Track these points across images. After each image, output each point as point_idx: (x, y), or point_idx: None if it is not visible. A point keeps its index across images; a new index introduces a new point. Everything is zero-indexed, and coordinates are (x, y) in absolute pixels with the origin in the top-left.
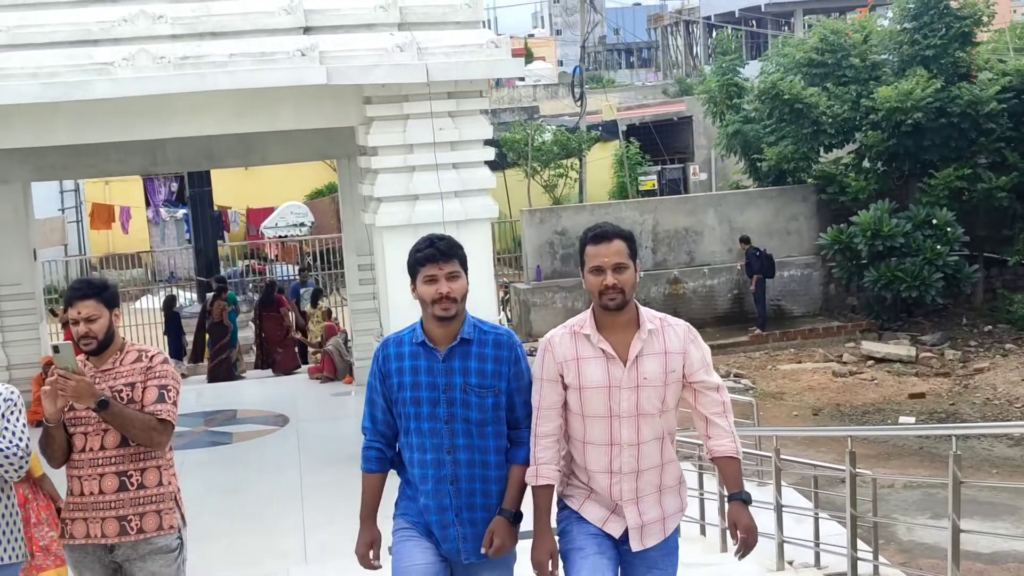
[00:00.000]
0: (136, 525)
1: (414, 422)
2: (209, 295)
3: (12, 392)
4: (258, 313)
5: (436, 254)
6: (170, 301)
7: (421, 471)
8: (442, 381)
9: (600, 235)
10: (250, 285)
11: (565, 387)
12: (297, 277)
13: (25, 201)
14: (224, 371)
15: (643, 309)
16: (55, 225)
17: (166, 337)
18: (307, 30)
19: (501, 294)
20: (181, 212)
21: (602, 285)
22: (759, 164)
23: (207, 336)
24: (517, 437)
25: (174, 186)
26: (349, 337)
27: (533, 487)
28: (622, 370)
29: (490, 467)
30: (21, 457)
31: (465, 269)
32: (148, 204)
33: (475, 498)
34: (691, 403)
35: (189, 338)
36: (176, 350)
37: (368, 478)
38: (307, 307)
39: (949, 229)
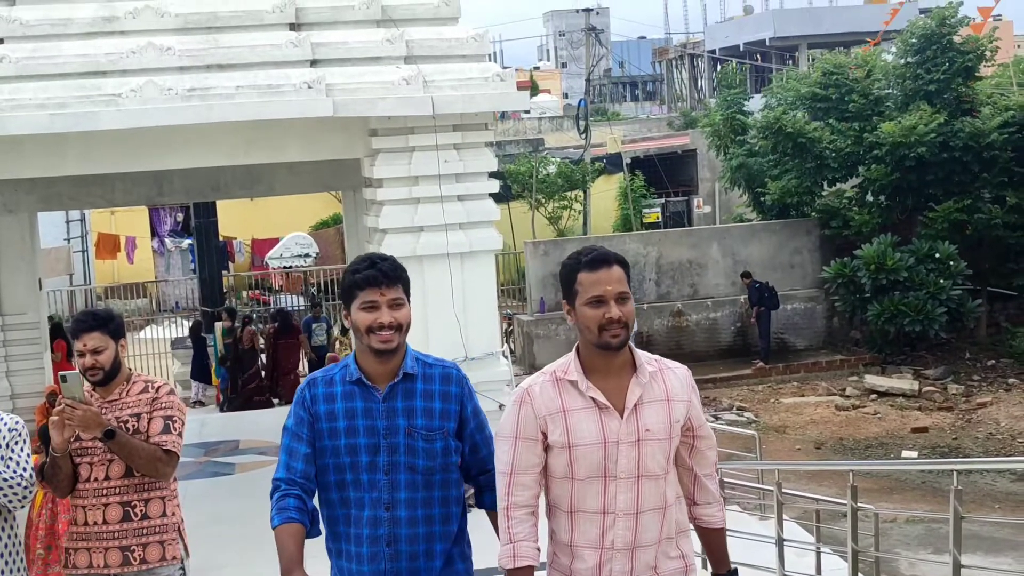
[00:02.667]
0: (139, 556)
1: (350, 474)
2: (224, 322)
3: (17, 422)
4: (272, 342)
5: (378, 276)
6: (197, 327)
7: (356, 531)
8: (383, 424)
9: (599, 260)
10: (253, 315)
11: (547, 447)
12: (310, 312)
13: (31, 231)
14: (255, 397)
15: (637, 350)
16: (61, 255)
17: (192, 363)
18: (314, 63)
19: (505, 326)
20: (186, 242)
21: (604, 319)
22: (763, 198)
23: (226, 362)
24: (490, 481)
25: (179, 216)
26: None
27: (508, 571)
28: (619, 422)
29: (434, 523)
30: (25, 487)
31: (409, 296)
32: (153, 234)
33: (418, 562)
34: (681, 458)
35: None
36: (203, 375)
37: (284, 529)
38: (336, 332)
39: (952, 263)
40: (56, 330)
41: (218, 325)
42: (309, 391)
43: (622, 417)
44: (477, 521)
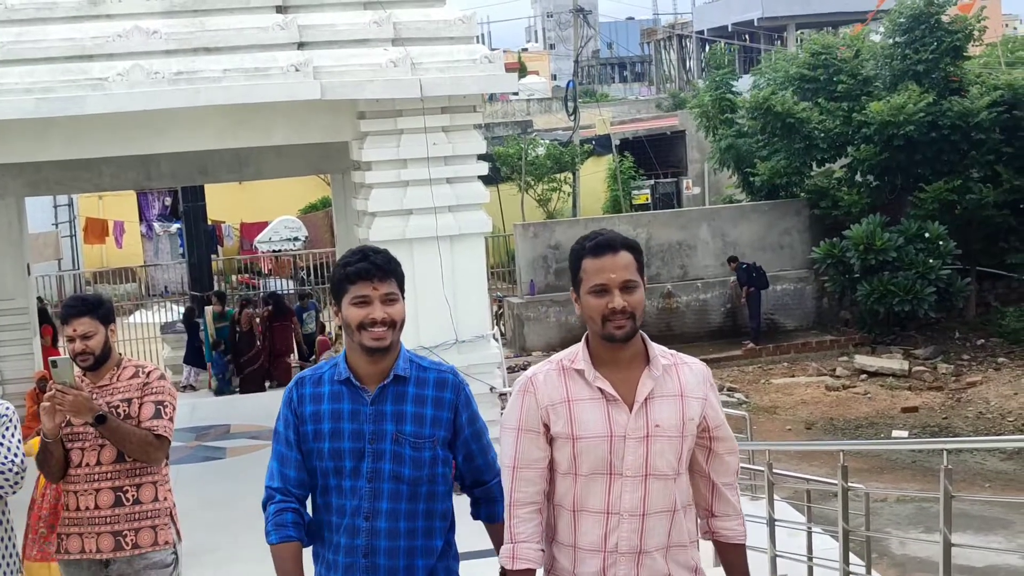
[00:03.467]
0: (131, 540)
1: (333, 478)
2: (214, 306)
3: (7, 408)
4: (268, 324)
5: (371, 269)
6: (190, 312)
7: (334, 539)
8: (369, 429)
9: (604, 245)
10: (251, 297)
11: (551, 440)
12: (299, 302)
13: (19, 216)
14: (258, 379)
15: (651, 342)
16: (49, 240)
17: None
18: (301, 45)
19: (495, 308)
20: (175, 226)
21: (607, 309)
22: (752, 178)
23: (223, 345)
24: (486, 494)
25: (167, 200)
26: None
27: (507, 571)
28: (627, 415)
29: (417, 536)
30: (16, 472)
31: (403, 291)
32: (141, 219)
33: None
34: (698, 464)
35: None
36: (197, 359)
37: (284, 549)
38: (331, 326)
39: (941, 243)
40: (42, 315)
41: (208, 309)
42: (296, 391)
43: (631, 411)
44: (464, 506)
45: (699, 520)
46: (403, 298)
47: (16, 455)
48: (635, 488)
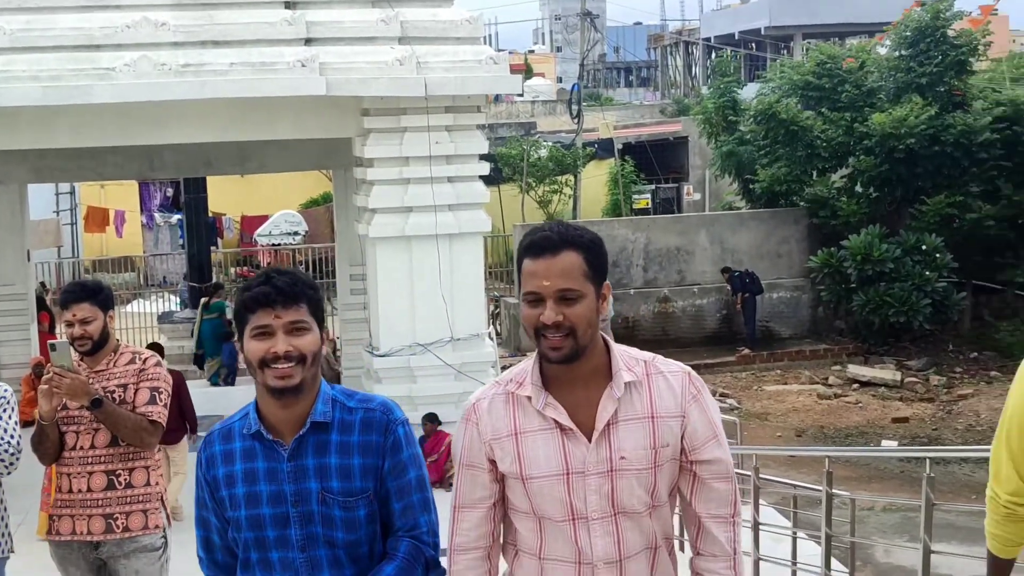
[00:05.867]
0: (122, 524)
1: (255, 552)
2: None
3: (5, 390)
4: None
5: (270, 294)
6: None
7: None
8: (290, 489)
9: (541, 244)
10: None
11: (501, 477)
12: None
13: (21, 202)
14: None
15: (619, 349)
16: (49, 227)
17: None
18: (308, 41)
19: (491, 307)
20: (175, 217)
21: (539, 321)
22: (752, 186)
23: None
24: (389, 547)
25: (169, 191)
26: (338, 347)
27: None
28: (586, 448)
29: None
30: (12, 454)
31: (320, 319)
32: (142, 209)
33: None
34: (683, 493)
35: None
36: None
37: None
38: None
39: (938, 255)
40: (39, 302)
41: (204, 301)
42: (205, 452)
43: (590, 441)
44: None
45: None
46: (320, 328)
47: (12, 436)
48: (605, 531)
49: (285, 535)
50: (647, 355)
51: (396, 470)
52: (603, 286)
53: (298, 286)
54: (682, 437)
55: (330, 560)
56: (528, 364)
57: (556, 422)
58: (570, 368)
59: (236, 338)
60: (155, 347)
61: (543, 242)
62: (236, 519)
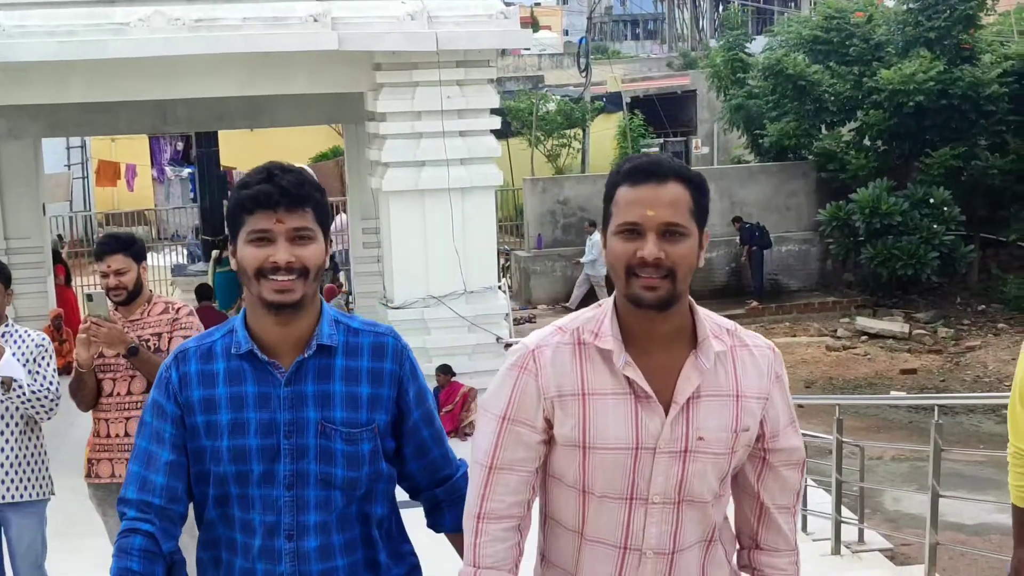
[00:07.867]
0: None
1: (235, 487)
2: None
3: (44, 339)
4: None
5: (274, 195)
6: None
7: (244, 564)
8: (285, 418)
9: (646, 170)
10: None
11: (549, 439)
12: None
13: (36, 156)
14: None
15: (704, 312)
16: (61, 181)
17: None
18: None
19: (502, 261)
20: (186, 171)
21: (636, 258)
22: (761, 139)
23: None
24: (450, 493)
25: (179, 145)
26: (352, 299)
27: None
28: (661, 422)
29: (357, 550)
30: (52, 399)
31: (325, 228)
32: (153, 163)
33: None
34: (746, 479)
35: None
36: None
37: None
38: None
39: (946, 208)
40: (55, 255)
41: (215, 254)
42: (177, 369)
43: (667, 415)
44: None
45: (737, 548)
46: (326, 239)
47: (52, 383)
48: (663, 518)
49: (272, 470)
50: (730, 323)
51: (420, 396)
52: (703, 233)
53: (305, 187)
54: (762, 421)
55: (319, 502)
56: (602, 312)
57: (632, 385)
58: (654, 322)
59: (230, 243)
60: (204, 288)
61: (650, 167)
62: (215, 450)
